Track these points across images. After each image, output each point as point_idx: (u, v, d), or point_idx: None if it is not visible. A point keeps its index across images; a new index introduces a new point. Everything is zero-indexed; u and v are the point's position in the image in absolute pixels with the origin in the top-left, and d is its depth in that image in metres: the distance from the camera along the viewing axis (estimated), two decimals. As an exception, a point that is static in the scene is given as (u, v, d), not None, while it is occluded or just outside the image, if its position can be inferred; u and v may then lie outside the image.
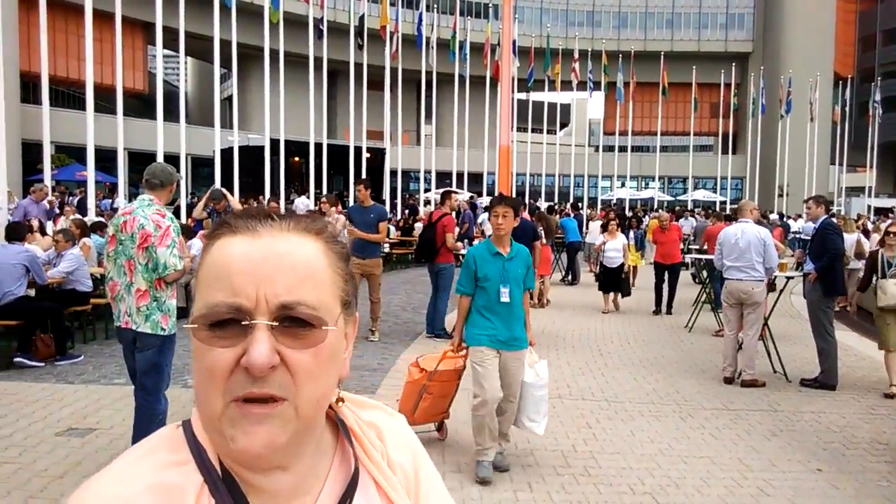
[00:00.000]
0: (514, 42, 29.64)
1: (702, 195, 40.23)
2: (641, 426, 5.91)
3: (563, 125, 56.27)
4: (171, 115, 20.73)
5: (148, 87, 38.52)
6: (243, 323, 0.73)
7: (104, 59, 25.16)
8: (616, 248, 12.08)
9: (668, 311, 11.82)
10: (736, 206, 8.80)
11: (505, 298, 4.74)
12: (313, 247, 0.79)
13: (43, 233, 9.63)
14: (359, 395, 3.65)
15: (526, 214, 12.98)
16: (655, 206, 35.82)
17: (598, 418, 6.07)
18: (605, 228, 13.09)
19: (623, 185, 39.22)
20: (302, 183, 24.12)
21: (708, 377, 7.65)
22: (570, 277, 16.00)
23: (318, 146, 22.26)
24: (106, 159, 26.08)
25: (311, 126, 21.22)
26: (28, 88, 29.73)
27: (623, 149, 39.86)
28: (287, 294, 0.74)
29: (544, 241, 11.63)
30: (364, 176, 24.51)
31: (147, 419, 4.36)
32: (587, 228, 18.31)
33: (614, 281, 12.01)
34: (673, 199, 42.80)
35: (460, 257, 9.76)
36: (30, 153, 24.46)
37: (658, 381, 7.41)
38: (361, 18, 24.72)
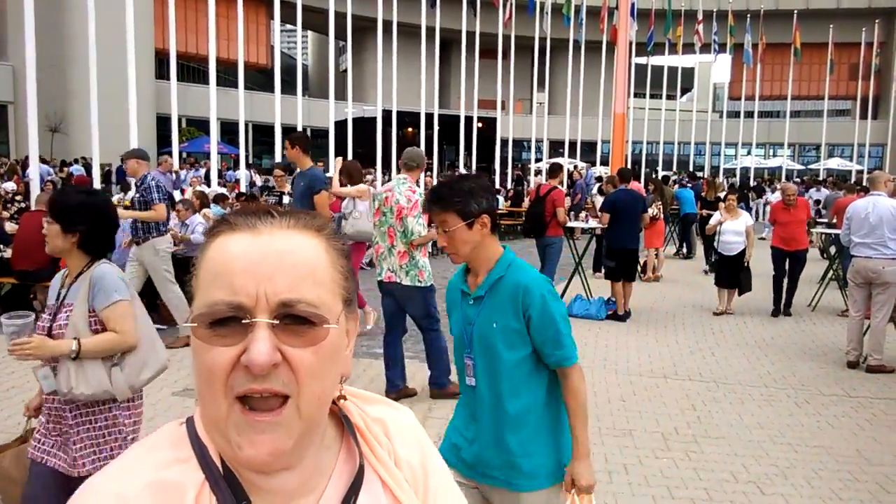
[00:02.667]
0: (632, 5, 28.54)
1: (836, 164, 37.38)
2: (751, 410, 5.63)
3: (686, 90, 53.79)
4: (292, 88, 21.46)
5: (270, 61, 39.96)
6: (244, 321, 0.72)
7: (230, 35, 26.24)
8: (736, 230, 9.21)
9: (787, 312, 9.28)
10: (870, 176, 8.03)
11: (469, 380, 2.39)
12: (314, 244, 0.78)
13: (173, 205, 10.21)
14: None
15: (637, 184, 12.58)
16: (784, 176, 33.77)
17: (704, 400, 5.83)
18: (706, 205, 12.05)
19: (749, 153, 37.07)
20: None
21: (829, 360, 7.17)
22: (685, 251, 15.39)
23: (430, 116, 22.38)
24: (230, 132, 27.44)
25: (423, 96, 21.32)
26: (162, 65, 31.55)
27: (750, 114, 37.50)
28: (288, 292, 0.73)
29: (655, 213, 11.13)
30: (475, 147, 24.55)
31: (438, 342, 5.49)
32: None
33: (733, 273, 9.19)
34: (804, 167, 40.07)
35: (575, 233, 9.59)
36: (164, 127, 25.98)
37: (773, 363, 7.02)
38: (474, -14, 24.47)
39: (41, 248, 5.37)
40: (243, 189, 15.86)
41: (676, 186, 17.27)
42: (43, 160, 21.08)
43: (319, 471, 0.83)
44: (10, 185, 14.68)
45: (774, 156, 41.11)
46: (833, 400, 5.94)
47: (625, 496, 4.05)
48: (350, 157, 18.64)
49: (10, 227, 8.50)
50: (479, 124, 26.23)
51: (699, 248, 14.52)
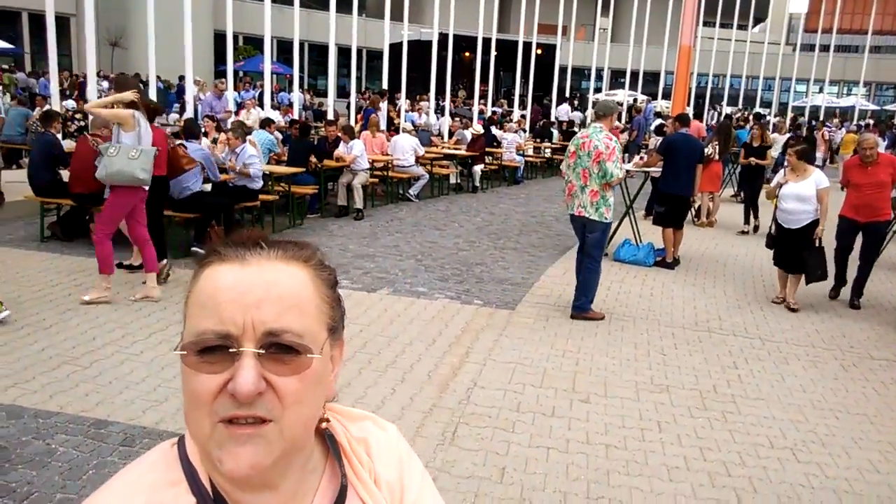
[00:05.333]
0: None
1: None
2: (794, 371, 5.52)
3: (758, 20, 51.03)
4: (350, 7, 20.99)
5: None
6: (231, 350, 0.75)
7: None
8: (802, 194, 6.87)
9: (854, 304, 7.35)
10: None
11: None
12: (300, 275, 0.81)
13: (219, 130, 10.29)
14: (499, 309, 3.70)
15: (697, 123, 12.09)
16: (856, 116, 32.12)
17: (746, 358, 5.74)
18: (751, 153, 11.25)
19: (821, 90, 35.29)
20: (470, 79, 23.86)
21: (883, 322, 6.95)
22: (742, 195, 14.88)
23: (487, 41, 21.80)
24: (286, 51, 27.23)
25: (481, 20, 20.72)
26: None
27: (825, 48, 35.45)
28: (274, 322, 0.76)
29: (717, 157, 10.69)
30: (532, 74, 23.88)
31: (594, 273, 6.43)
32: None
33: (796, 254, 6.96)
34: (879, 108, 38.04)
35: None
36: (221, 44, 25.99)
37: (823, 322, 6.84)
38: None
39: (93, 172, 5.45)
40: (296, 113, 15.84)
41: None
42: (104, 76, 21.45)
43: (303, 491, 0.86)
44: (71, 104, 14.87)
45: (849, 94, 39.01)
46: (882, 365, 5.78)
47: (656, 455, 4.05)
48: (404, 81, 18.42)
49: (68, 145, 8.62)
50: (538, 51, 25.43)
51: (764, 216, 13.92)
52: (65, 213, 7.98)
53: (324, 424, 0.90)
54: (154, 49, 10.97)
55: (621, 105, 25.65)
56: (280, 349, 0.76)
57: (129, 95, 5.69)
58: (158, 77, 12.95)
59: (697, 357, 5.70)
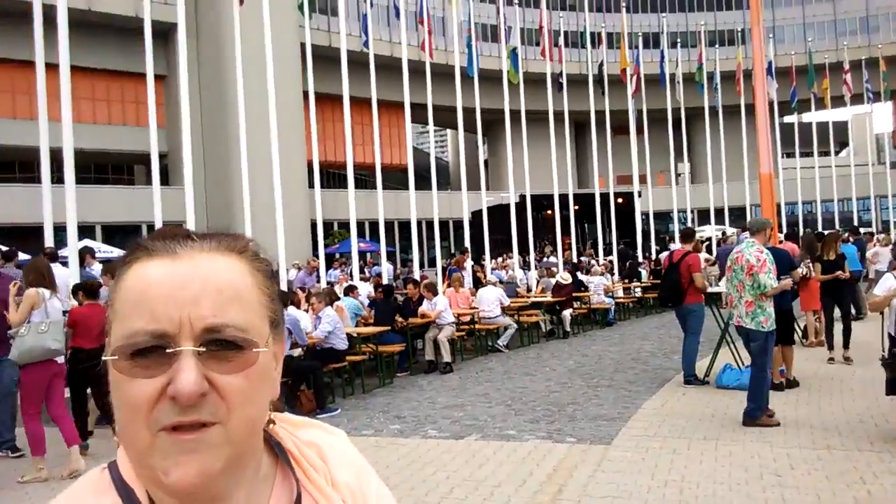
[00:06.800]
0: (769, 64, 27.59)
1: None
2: None
3: (842, 144, 50.46)
4: (430, 182, 22.35)
5: (411, 160, 42.05)
6: (167, 350, 0.70)
7: (368, 140, 27.97)
8: None
9: None
10: None
11: None
12: (238, 266, 0.77)
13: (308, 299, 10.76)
14: (593, 445, 3.53)
15: (780, 239, 11.70)
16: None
17: (875, 472, 5.13)
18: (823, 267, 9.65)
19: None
20: (553, 233, 24.38)
21: None
22: (854, 312, 14.00)
23: (564, 197, 22.43)
24: (375, 230, 28.84)
25: (555, 179, 21.45)
26: (323, 176, 33.97)
27: (919, 162, 34.49)
28: (213, 317, 0.71)
29: (805, 272, 10.17)
30: (613, 223, 24.10)
31: (762, 381, 6.52)
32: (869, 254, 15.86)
33: None
34: None
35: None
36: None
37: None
38: (601, 65, 24.70)
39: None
40: (385, 281, 16.44)
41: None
42: None
43: (255, 501, 0.79)
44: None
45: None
46: None
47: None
48: (487, 244, 18.98)
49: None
50: (619, 200, 25.85)
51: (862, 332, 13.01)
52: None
53: (270, 426, 0.84)
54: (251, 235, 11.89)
55: (710, 240, 25.31)
56: (221, 346, 0.71)
57: (32, 294, 5.93)
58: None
59: (818, 475, 5.15)
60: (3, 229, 25.51)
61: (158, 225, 10.61)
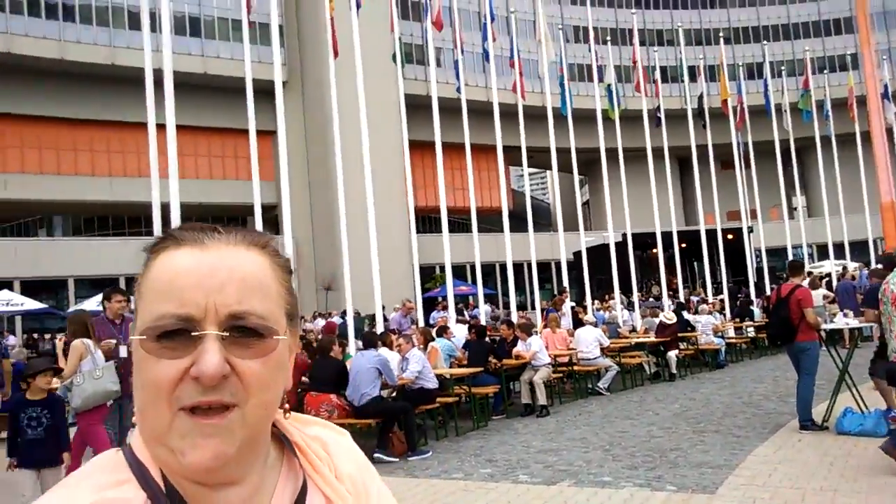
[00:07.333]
0: (885, 87, 26.02)
1: None
2: None
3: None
4: (538, 226, 22.24)
5: (511, 203, 42.10)
6: (193, 334, 0.74)
7: (465, 184, 28.27)
8: None
9: None
10: None
11: None
12: (260, 260, 0.81)
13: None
14: (695, 494, 3.32)
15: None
16: None
17: None
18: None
19: None
20: (658, 273, 23.65)
21: None
22: None
23: (667, 235, 21.73)
24: (483, 273, 29.01)
25: (657, 216, 20.86)
26: (426, 220, 34.63)
27: None
28: (237, 304, 0.75)
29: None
30: (722, 260, 23.10)
31: None
32: None
33: None
34: None
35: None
36: (424, 274, 28.30)
37: None
38: (700, 98, 24.04)
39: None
40: (483, 322, 16.41)
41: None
42: (320, 314, 24.71)
43: (263, 488, 0.83)
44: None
45: None
46: None
47: None
48: (587, 284, 18.61)
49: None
50: (728, 236, 24.78)
51: None
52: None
53: (286, 416, 0.88)
54: (350, 288, 12.14)
55: (829, 275, 23.76)
56: (243, 332, 0.75)
57: (77, 346, 6.16)
58: (357, 313, 14.14)
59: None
60: (115, 279, 27.37)
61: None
